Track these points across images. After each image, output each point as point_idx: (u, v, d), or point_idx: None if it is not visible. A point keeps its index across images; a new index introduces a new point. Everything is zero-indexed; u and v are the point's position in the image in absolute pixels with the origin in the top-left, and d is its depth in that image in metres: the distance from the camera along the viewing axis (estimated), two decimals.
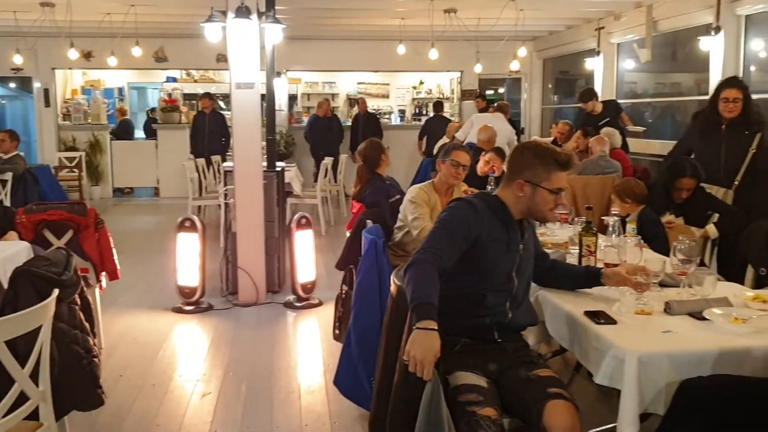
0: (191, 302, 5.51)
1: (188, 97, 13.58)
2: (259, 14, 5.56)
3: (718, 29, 7.67)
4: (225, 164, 7.46)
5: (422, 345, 2.16)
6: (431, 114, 12.31)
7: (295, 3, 8.21)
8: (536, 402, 2.31)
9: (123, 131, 12.98)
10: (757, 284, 3.48)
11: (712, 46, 7.85)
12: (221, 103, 12.78)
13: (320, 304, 5.66)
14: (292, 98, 13.89)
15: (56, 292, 2.40)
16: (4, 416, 2.17)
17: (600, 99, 9.18)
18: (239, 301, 5.67)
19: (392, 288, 2.59)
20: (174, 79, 13.77)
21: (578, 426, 2.28)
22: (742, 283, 3.46)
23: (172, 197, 11.53)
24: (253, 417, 3.65)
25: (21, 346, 2.27)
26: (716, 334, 2.37)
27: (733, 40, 7.71)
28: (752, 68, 7.80)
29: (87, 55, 11.54)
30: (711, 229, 4.22)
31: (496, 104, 9.77)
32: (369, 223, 3.88)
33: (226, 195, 6.08)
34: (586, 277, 2.88)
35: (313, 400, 3.85)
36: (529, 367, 2.49)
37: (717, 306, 2.56)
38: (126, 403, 3.75)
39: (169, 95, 12.76)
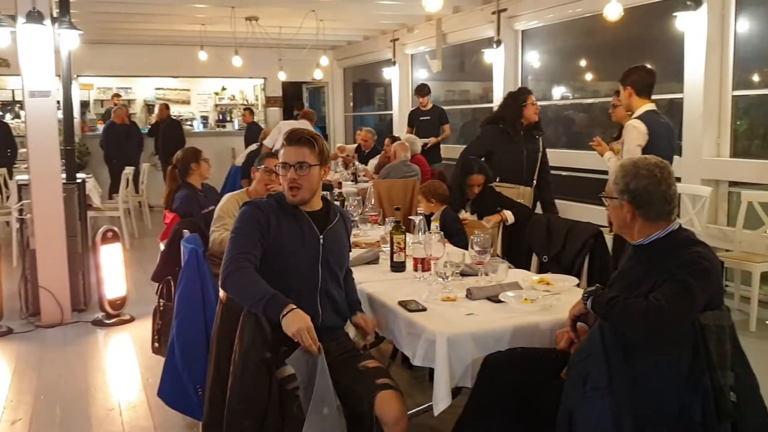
0: None
1: None
2: (53, 19, 5.28)
3: (499, 42, 8.49)
4: (18, 177, 6.94)
5: (295, 322, 2.36)
6: (244, 123, 12.29)
7: (87, 7, 7.84)
8: (367, 393, 2.47)
9: None
10: (541, 269, 3.96)
11: (495, 57, 8.67)
12: None
13: (132, 319, 5.48)
14: (85, 105, 13.14)
15: None
16: None
17: (397, 106, 9.85)
18: (42, 322, 5.33)
19: (222, 294, 2.65)
20: None
21: (405, 411, 2.50)
22: (528, 269, 3.94)
23: None
24: None
25: None
26: (510, 314, 2.72)
27: (512, 52, 8.58)
28: (529, 78, 8.73)
29: None
30: (508, 214, 4.70)
31: (302, 111, 10.03)
32: (186, 232, 3.87)
33: (21, 210, 5.68)
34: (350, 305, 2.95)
35: (135, 415, 3.78)
36: (357, 360, 2.67)
37: (510, 289, 2.94)
38: None
39: None
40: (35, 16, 5.00)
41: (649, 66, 4.46)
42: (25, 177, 5.60)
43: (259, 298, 2.42)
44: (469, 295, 2.90)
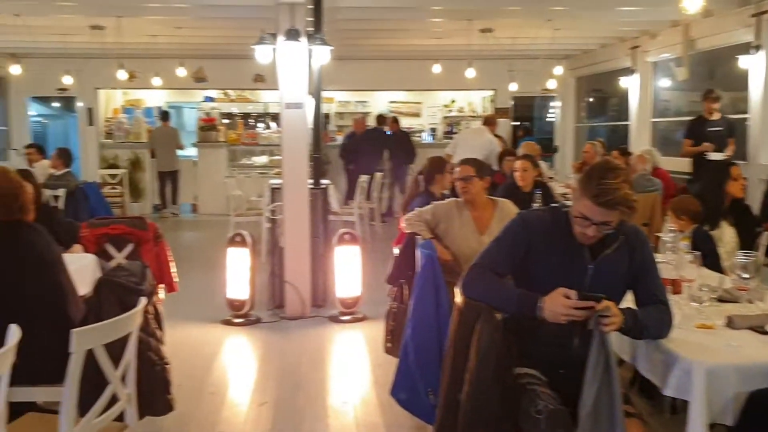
0: (240, 315, 5.63)
1: (225, 116, 13.80)
2: (308, 36, 5.71)
3: (758, 47, 7.68)
4: (272, 181, 7.62)
5: (553, 309, 2.33)
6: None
7: (336, 24, 8.38)
8: None
9: None
10: None
11: (752, 64, 7.86)
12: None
13: (364, 318, 5.75)
14: (325, 117, 14.10)
15: (144, 300, 2.52)
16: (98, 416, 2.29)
17: (634, 117, 9.23)
18: (286, 314, 5.78)
19: (459, 299, 2.65)
20: (211, 99, 13.99)
21: None
22: None
23: (210, 214, 11.69)
24: (309, 427, 3.74)
25: (111, 351, 2.39)
26: None
27: None
28: None
29: (131, 76, 11.74)
30: None
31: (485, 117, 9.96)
32: (420, 238, 3.96)
33: (273, 211, 6.22)
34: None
35: (367, 410, 3.94)
36: None
37: None
38: (188, 409, 3.85)
39: (207, 114, 13.01)
40: (293, 34, 5.46)
41: None
42: (278, 181, 6.10)
43: (510, 293, 2.46)
44: (730, 323, 2.61)
